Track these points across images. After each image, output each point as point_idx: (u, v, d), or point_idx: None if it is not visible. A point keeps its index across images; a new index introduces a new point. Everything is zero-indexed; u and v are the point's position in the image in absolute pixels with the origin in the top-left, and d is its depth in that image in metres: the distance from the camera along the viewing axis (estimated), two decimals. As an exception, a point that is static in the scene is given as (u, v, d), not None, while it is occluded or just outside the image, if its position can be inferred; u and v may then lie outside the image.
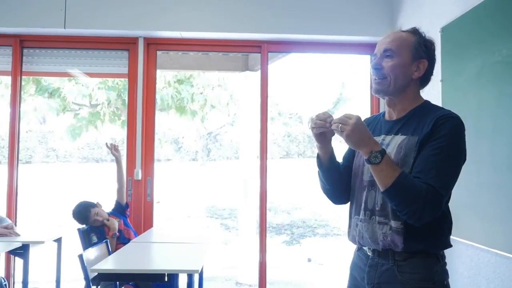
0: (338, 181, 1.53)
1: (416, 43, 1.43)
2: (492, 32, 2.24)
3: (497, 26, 2.21)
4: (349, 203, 1.57)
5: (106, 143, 3.33)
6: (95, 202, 3.16)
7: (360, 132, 1.30)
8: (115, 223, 3.09)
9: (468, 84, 2.45)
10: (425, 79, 1.47)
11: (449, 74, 2.63)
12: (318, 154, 1.51)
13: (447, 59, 2.65)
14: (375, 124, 1.55)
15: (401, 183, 1.27)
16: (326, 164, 1.50)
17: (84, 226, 3.13)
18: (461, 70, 2.52)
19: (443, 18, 2.69)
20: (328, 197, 1.59)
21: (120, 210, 3.24)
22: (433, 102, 2.69)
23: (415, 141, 1.35)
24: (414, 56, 1.42)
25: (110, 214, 3.19)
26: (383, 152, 1.29)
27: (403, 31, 1.47)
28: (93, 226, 3.09)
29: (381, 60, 1.43)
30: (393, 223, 1.35)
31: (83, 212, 3.08)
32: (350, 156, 1.57)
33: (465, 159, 1.39)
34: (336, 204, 1.60)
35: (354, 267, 1.53)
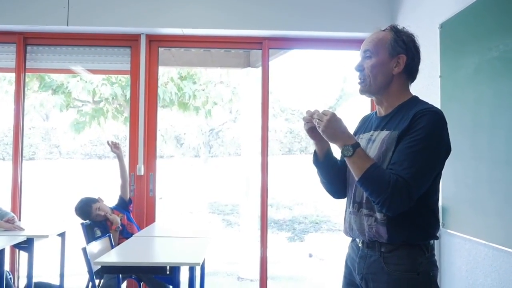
0: (336, 177, 1.59)
1: (392, 39, 1.46)
2: (490, 28, 2.26)
3: (495, 22, 2.23)
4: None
5: (108, 141, 3.37)
6: (97, 198, 3.21)
7: (334, 127, 1.40)
8: (117, 217, 3.14)
9: (466, 80, 2.47)
10: (410, 74, 1.50)
11: (448, 70, 2.65)
12: (315, 150, 1.57)
13: (446, 55, 2.67)
14: (369, 121, 1.60)
15: (371, 174, 1.35)
16: (322, 159, 1.56)
17: (87, 221, 3.18)
18: (460, 66, 2.53)
19: (442, 14, 2.70)
20: (327, 191, 1.65)
21: (123, 205, 3.28)
22: (432, 97, 2.72)
23: (395, 136, 1.40)
24: (391, 52, 1.46)
25: (113, 209, 3.23)
26: (355, 146, 1.38)
27: (382, 30, 1.52)
28: (96, 221, 3.14)
29: (363, 61, 1.50)
30: (378, 215, 1.41)
31: (85, 208, 3.13)
32: None
33: (447, 152, 1.42)
34: (336, 198, 1.65)
35: (348, 258, 1.58)
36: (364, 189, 1.39)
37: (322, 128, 1.40)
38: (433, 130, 1.36)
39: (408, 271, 1.39)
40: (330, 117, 1.39)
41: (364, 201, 1.46)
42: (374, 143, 1.47)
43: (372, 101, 3.68)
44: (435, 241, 1.53)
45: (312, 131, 1.49)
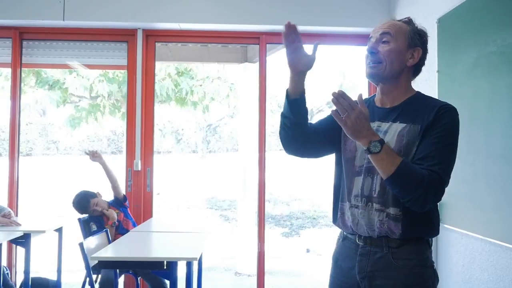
0: (302, 122, 1.48)
1: (411, 31, 1.45)
2: (488, 23, 2.26)
3: (492, 17, 2.22)
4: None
5: (85, 151, 3.36)
6: (95, 192, 3.20)
7: (361, 125, 1.30)
8: (113, 213, 3.14)
9: (464, 75, 2.47)
10: (417, 69, 1.49)
11: (445, 64, 2.65)
12: (287, 89, 1.46)
13: (443, 50, 2.66)
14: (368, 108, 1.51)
15: (403, 171, 1.29)
16: (294, 97, 1.45)
17: (84, 215, 3.18)
18: (457, 60, 2.53)
19: (440, 9, 2.70)
20: (285, 139, 1.52)
21: (118, 203, 3.27)
22: (429, 92, 2.72)
23: (418, 129, 1.37)
24: (409, 43, 1.44)
25: (110, 204, 3.23)
26: (382, 142, 1.30)
27: (398, 20, 1.49)
28: (92, 216, 3.14)
29: (377, 44, 1.44)
30: (391, 210, 1.37)
31: (82, 202, 3.12)
32: (328, 124, 1.52)
33: None
34: (288, 151, 1.55)
35: (340, 257, 1.52)
36: (395, 187, 1.32)
37: (349, 124, 1.29)
38: (456, 126, 1.37)
39: (417, 266, 1.38)
40: (358, 113, 1.28)
41: (375, 195, 1.40)
42: (388, 135, 1.41)
43: (370, 94, 3.71)
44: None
45: (293, 50, 1.40)
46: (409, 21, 1.47)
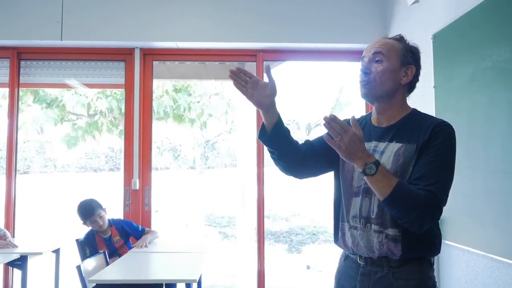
0: (289, 149, 1.48)
1: (403, 49, 1.45)
2: (483, 39, 2.28)
3: (487, 32, 2.24)
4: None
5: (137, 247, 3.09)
6: (104, 207, 3.16)
7: (355, 147, 1.28)
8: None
9: (460, 90, 2.48)
10: (411, 86, 1.48)
11: (442, 80, 2.66)
12: (262, 123, 1.46)
13: (439, 65, 2.68)
14: (363, 127, 1.49)
15: (399, 192, 1.27)
16: (271, 131, 1.45)
17: (82, 233, 3.12)
18: (454, 76, 2.55)
19: (435, 25, 2.73)
20: (279, 167, 1.54)
21: (135, 231, 3.21)
22: (427, 107, 2.72)
23: (413, 149, 1.36)
24: (402, 61, 1.43)
25: (112, 223, 3.17)
26: (377, 163, 1.29)
27: (389, 38, 1.49)
28: (87, 239, 3.08)
29: (370, 64, 1.44)
30: (390, 231, 1.36)
31: (89, 208, 3.05)
32: (325, 142, 1.38)
33: None
34: (288, 174, 1.56)
35: (342, 276, 1.51)
36: (391, 208, 1.31)
37: (343, 147, 1.28)
38: (452, 143, 1.36)
39: (418, 286, 1.36)
40: (351, 136, 1.27)
41: (373, 216, 1.38)
42: (385, 155, 1.40)
43: (367, 111, 3.72)
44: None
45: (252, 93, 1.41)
46: (400, 39, 1.48)
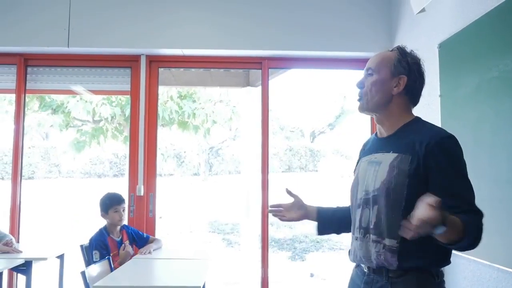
0: (344, 222, 1.62)
1: (396, 59, 1.47)
2: (489, 48, 2.27)
3: (493, 42, 2.24)
4: None
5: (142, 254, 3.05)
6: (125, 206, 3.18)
7: (426, 230, 1.16)
8: (127, 254, 2.98)
9: (466, 99, 2.47)
10: (412, 96, 1.48)
11: (448, 89, 2.66)
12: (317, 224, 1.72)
13: (445, 74, 2.68)
14: (369, 143, 1.59)
15: (468, 232, 1.25)
16: (318, 226, 1.71)
17: (101, 214, 3.09)
18: (460, 85, 2.54)
19: (441, 35, 2.73)
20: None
21: (141, 239, 3.21)
22: (432, 116, 2.70)
23: (408, 160, 1.36)
24: (393, 72, 1.46)
25: (124, 228, 3.15)
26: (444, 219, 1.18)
27: (389, 51, 1.52)
28: (100, 240, 3.03)
29: (364, 79, 1.51)
30: (387, 241, 1.36)
31: (120, 196, 3.12)
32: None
33: None
34: None
35: (350, 284, 1.54)
36: (458, 247, 1.27)
37: (422, 232, 1.16)
38: (458, 156, 1.37)
39: None
40: (423, 225, 1.13)
41: (371, 227, 1.40)
42: (382, 166, 1.41)
43: (372, 119, 3.71)
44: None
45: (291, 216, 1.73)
46: (397, 49, 1.50)
